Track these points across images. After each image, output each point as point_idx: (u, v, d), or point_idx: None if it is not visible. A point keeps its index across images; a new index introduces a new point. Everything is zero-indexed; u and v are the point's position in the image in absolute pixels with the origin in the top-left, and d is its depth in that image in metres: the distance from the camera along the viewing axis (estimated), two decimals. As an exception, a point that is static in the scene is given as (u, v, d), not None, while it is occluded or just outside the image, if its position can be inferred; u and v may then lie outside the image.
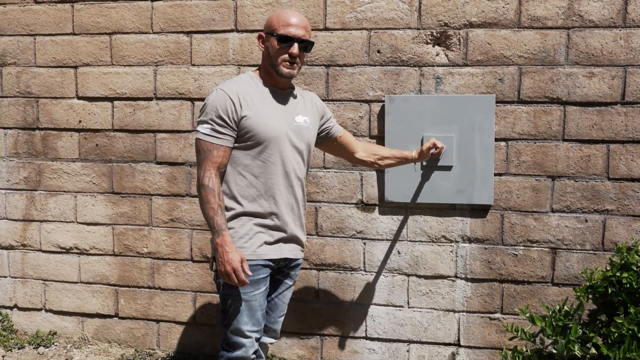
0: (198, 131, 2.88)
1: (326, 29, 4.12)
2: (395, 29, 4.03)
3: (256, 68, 3.11)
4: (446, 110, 3.90)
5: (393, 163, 3.48)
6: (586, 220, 3.95)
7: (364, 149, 3.40)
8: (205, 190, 2.89)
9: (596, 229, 3.95)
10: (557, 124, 3.92)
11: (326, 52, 4.13)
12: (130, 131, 4.47)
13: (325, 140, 3.32)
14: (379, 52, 4.05)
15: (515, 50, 3.88)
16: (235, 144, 2.93)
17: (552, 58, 3.88)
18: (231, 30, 4.30)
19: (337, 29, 4.12)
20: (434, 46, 3.99)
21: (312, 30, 4.05)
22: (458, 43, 3.94)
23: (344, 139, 3.36)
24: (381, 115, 4.03)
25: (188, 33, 4.35)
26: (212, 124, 2.86)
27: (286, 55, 2.92)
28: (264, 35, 2.98)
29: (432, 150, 3.59)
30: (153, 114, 4.44)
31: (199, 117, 2.90)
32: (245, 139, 2.92)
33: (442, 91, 3.96)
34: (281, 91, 3.01)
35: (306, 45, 2.97)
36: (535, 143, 3.94)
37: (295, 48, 2.91)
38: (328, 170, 4.18)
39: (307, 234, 4.18)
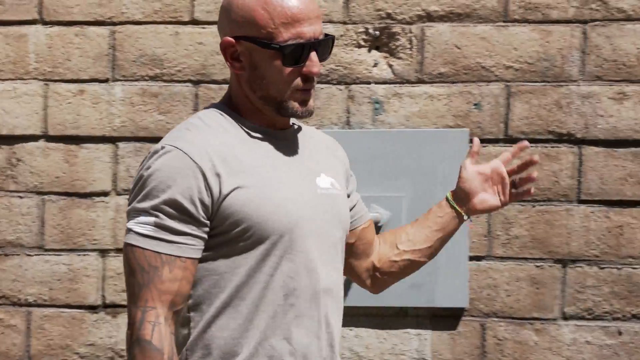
0: (130, 230, 2.34)
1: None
2: (306, 23, 3.83)
3: (222, 100, 2.53)
4: (391, 154, 3.81)
5: (431, 246, 2.73)
6: (620, 333, 3.79)
7: (382, 239, 2.82)
8: (143, 351, 2.28)
9: (637, 346, 3.79)
10: (569, 176, 3.79)
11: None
12: None
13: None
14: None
15: (501, 57, 3.78)
16: (210, 250, 2.39)
17: (559, 70, 3.81)
18: (33, 22, 4.11)
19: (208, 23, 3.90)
20: (370, 51, 3.90)
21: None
22: (409, 46, 3.83)
23: (368, 233, 2.73)
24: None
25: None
26: (158, 216, 2.30)
27: (300, 81, 2.35)
28: (235, 44, 2.34)
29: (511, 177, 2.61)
30: None
31: (131, 201, 2.36)
32: (234, 236, 2.36)
33: (383, 124, 3.85)
34: (281, 133, 2.50)
35: (324, 46, 2.41)
36: (534, 207, 3.78)
37: (315, 62, 2.33)
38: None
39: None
